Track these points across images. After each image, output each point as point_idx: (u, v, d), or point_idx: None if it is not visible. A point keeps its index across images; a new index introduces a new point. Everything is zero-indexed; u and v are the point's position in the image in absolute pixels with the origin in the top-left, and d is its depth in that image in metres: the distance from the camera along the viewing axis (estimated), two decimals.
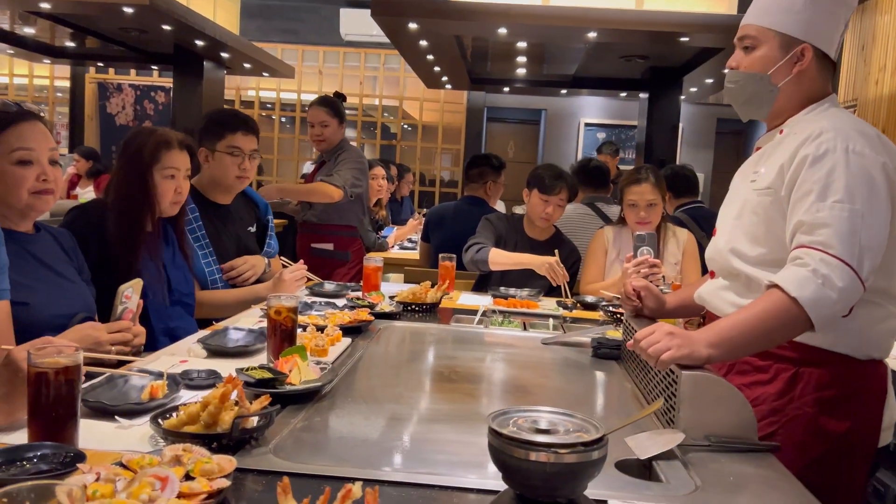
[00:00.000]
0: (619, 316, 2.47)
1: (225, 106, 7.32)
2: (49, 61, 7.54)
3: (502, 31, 4.47)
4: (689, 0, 4.40)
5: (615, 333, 2.10)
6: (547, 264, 2.91)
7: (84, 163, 7.10)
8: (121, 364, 1.54)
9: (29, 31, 6.12)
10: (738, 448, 1.31)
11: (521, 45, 5.13)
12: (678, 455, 1.26)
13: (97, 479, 0.97)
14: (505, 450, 0.94)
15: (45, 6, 4.72)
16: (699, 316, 2.18)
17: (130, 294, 1.78)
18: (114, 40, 6.13)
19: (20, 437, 1.15)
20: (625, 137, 9.26)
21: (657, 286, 2.75)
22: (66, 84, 8.96)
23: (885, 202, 1.44)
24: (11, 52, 6.89)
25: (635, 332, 1.74)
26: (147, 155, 2.11)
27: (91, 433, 1.22)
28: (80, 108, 8.89)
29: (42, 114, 1.84)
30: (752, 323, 1.41)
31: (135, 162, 2.11)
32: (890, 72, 4.29)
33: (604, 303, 2.72)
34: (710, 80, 6.07)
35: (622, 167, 6.58)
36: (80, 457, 1.06)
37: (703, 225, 3.74)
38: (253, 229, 2.79)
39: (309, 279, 2.69)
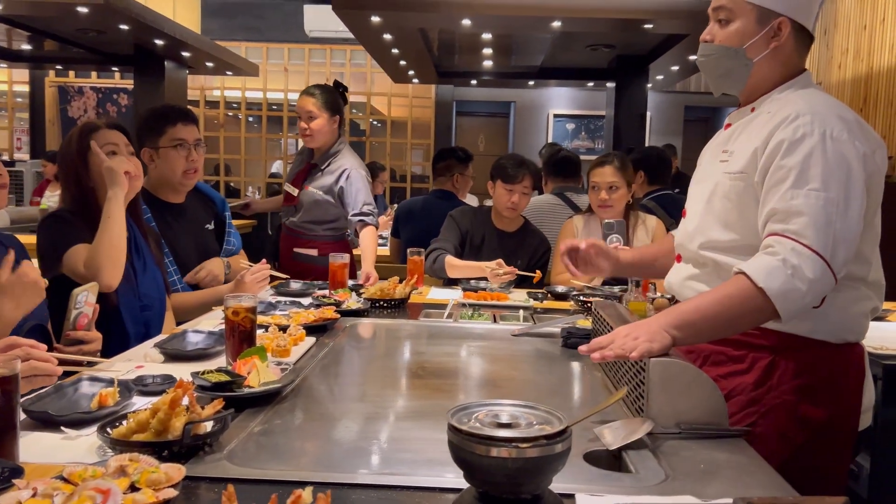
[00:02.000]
0: (589, 305, 2.45)
1: (189, 106, 7.19)
2: (6, 65, 7.36)
3: (466, 22, 4.43)
4: None
5: (585, 323, 2.07)
6: (489, 270, 2.85)
7: (52, 167, 6.94)
8: (73, 372, 1.49)
9: None
10: (709, 434, 1.28)
11: (487, 36, 5.10)
12: (648, 444, 1.23)
13: (33, 495, 0.92)
14: (465, 446, 0.90)
15: None
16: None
17: (85, 298, 1.71)
18: (72, 42, 5.99)
19: None
20: (594, 127, 9.28)
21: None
22: (26, 88, 8.76)
23: (861, 191, 1.39)
24: None
25: (605, 321, 1.71)
26: (76, 146, 2.08)
27: (35, 445, 1.16)
28: (40, 113, 8.69)
29: None
30: (715, 309, 1.39)
31: (68, 158, 2.09)
32: (852, 55, 4.32)
33: (574, 292, 2.70)
34: (675, 68, 6.09)
35: (591, 158, 6.58)
36: (18, 471, 1.00)
37: (671, 212, 3.73)
38: (211, 227, 2.72)
39: (274, 278, 2.63)
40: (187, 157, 2.51)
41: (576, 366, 1.88)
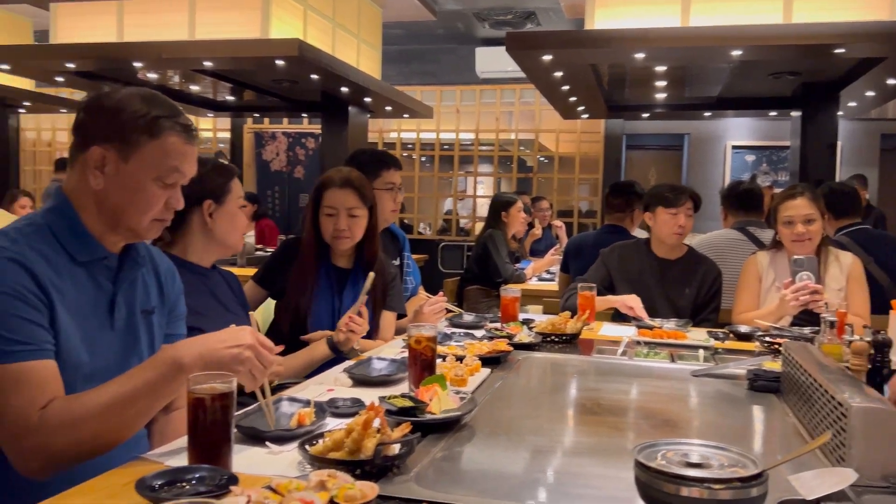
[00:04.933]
0: (776, 347, 2.30)
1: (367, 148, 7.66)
2: (212, 115, 8.20)
3: (640, 56, 4.37)
4: (843, 9, 4.11)
5: (773, 365, 1.95)
6: (625, 306, 2.81)
7: (250, 207, 7.63)
8: (274, 392, 1.62)
9: (194, 88, 6.70)
10: None
11: (661, 69, 5.00)
12: (851, 497, 1.14)
13: (248, 502, 1.01)
14: (654, 484, 0.88)
15: (209, 65, 5.15)
16: None
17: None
18: (268, 92, 6.58)
19: (181, 461, 1.22)
20: (776, 159, 8.74)
21: (818, 314, 2.55)
22: (227, 135, 9.69)
23: None
24: (180, 108, 7.57)
25: (798, 364, 1.61)
26: (312, 194, 2.36)
27: (243, 457, 1.27)
28: (239, 157, 9.58)
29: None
30: None
31: (309, 201, 2.39)
32: None
33: (759, 333, 2.55)
34: (871, 94, 5.61)
35: (775, 191, 6.21)
36: (234, 480, 1.10)
37: (868, 248, 3.43)
38: (396, 262, 2.88)
39: (449, 311, 2.71)
40: (395, 199, 2.73)
41: (764, 410, 1.78)
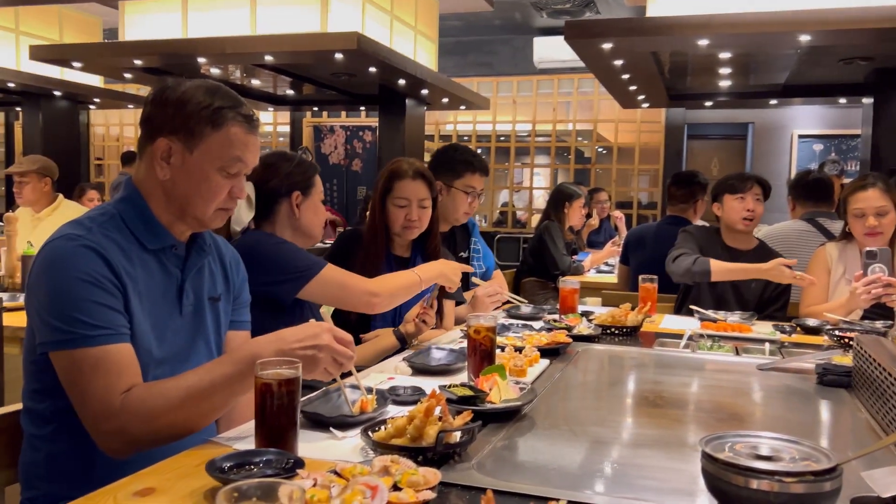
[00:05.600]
0: (847, 341, 2.23)
1: (429, 141, 7.69)
2: (272, 109, 8.35)
3: (703, 42, 4.27)
4: None
5: (843, 359, 1.89)
6: (778, 266, 2.68)
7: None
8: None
9: (255, 82, 6.84)
10: None
11: (725, 56, 4.87)
12: None
13: (314, 485, 1.03)
14: (722, 476, 0.87)
15: (269, 59, 5.25)
16: None
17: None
18: (326, 85, 6.66)
19: (249, 444, 1.26)
20: (846, 148, 8.43)
21: (892, 307, 2.46)
22: (287, 129, 9.86)
23: None
24: (242, 99, 7.75)
25: (871, 359, 1.56)
26: (381, 185, 2.38)
27: (308, 442, 1.30)
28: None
29: None
30: None
31: (376, 191, 2.40)
32: None
33: (828, 326, 2.47)
34: None
35: (844, 181, 5.99)
36: (300, 463, 1.13)
37: None
38: (465, 254, 2.91)
39: (509, 301, 2.71)
40: (470, 204, 2.79)
41: (834, 405, 1.73)
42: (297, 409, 1.22)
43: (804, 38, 4.10)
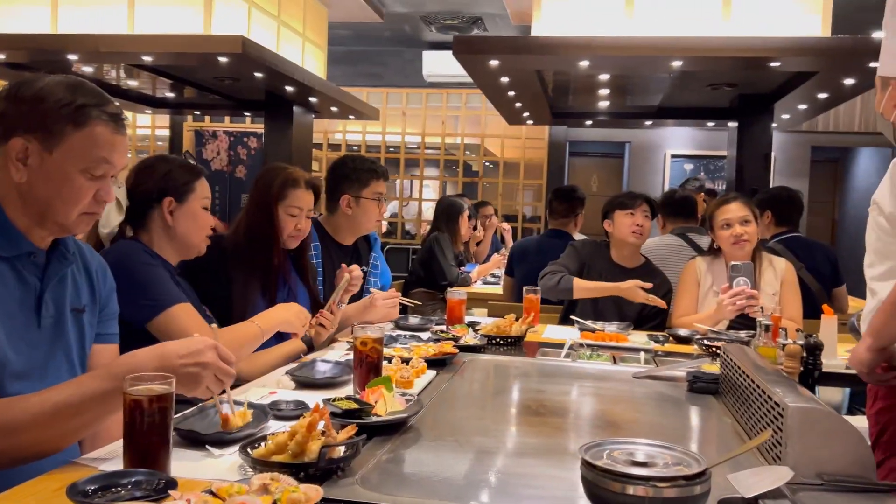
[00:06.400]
0: (715, 350, 2.36)
1: (317, 150, 7.58)
2: (150, 111, 7.97)
3: (584, 64, 4.44)
4: (779, 23, 4.26)
5: (711, 367, 2.00)
6: (633, 287, 2.85)
7: None
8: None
9: (132, 83, 6.51)
10: (854, 488, 1.21)
11: (604, 77, 5.09)
12: (787, 494, 1.17)
13: None
14: (600, 483, 0.89)
15: (148, 59, 5.01)
16: None
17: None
18: (209, 89, 6.43)
19: (116, 465, 1.18)
20: (713, 168, 9.00)
21: (754, 318, 2.63)
22: (166, 133, 9.45)
23: None
24: (117, 103, 7.33)
25: (736, 366, 1.65)
26: (275, 191, 2.29)
27: (182, 461, 1.23)
28: (178, 155, 9.37)
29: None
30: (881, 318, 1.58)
31: (263, 196, 2.29)
32: None
33: (698, 336, 2.61)
34: (803, 107, 5.84)
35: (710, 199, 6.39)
36: (172, 484, 1.07)
37: (800, 255, 3.56)
38: (366, 269, 2.88)
39: (404, 305, 2.72)
40: (380, 209, 2.76)
41: (703, 410, 1.82)
42: (169, 426, 1.16)
43: (676, 64, 4.34)
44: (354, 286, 2.41)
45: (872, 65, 3.80)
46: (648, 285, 2.91)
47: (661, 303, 2.90)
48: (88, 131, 1.33)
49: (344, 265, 2.45)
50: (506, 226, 6.53)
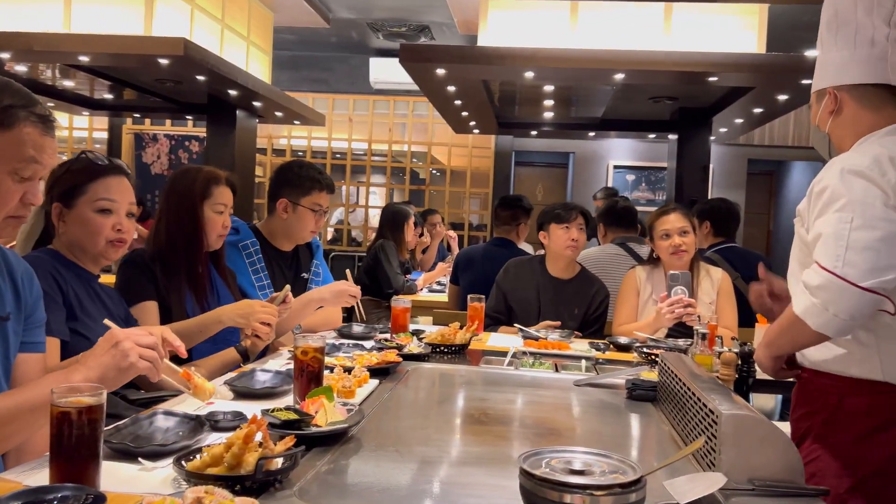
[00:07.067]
0: (653, 357, 2.41)
1: (261, 155, 7.47)
2: (88, 113, 7.75)
3: (529, 74, 4.50)
4: (718, 40, 4.39)
5: (650, 375, 2.03)
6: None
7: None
8: (150, 404, 1.54)
9: (69, 84, 6.31)
10: (784, 492, 1.24)
11: (549, 88, 5.16)
12: (720, 500, 1.20)
13: None
14: (537, 492, 0.90)
15: (85, 60, 4.87)
16: None
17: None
18: (150, 91, 6.29)
19: (41, 479, 1.13)
20: (654, 179, 9.21)
21: (691, 326, 2.69)
22: (104, 135, 9.19)
23: (878, 204, 1.43)
24: (52, 104, 7.09)
25: (673, 374, 1.69)
26: (198, 190, 2.23)
27: (113, 475, 1.19)
28: (117, 158, 9.11)
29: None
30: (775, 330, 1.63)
31: (185, 198, 2.22)
32: None
33: (637, 344, 2.66)
34: (739, 121, 6.03)
35: (651, 209, 6.53)
36: (101, 498, 1.03)
37: (736, 265, 3.67)
38: (307, 276, 2.84)
39: (357, 306, 2.74)
40: (316, 222, 2.72)
41: (641, 418, 1.85)
42: (99, 439, 1.12)
43: (618, 76, 4.44)
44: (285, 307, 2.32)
45: (805, 82, 3.96)
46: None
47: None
48: (17, 133, 1.29)
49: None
50: (452, 234, 6.54)
